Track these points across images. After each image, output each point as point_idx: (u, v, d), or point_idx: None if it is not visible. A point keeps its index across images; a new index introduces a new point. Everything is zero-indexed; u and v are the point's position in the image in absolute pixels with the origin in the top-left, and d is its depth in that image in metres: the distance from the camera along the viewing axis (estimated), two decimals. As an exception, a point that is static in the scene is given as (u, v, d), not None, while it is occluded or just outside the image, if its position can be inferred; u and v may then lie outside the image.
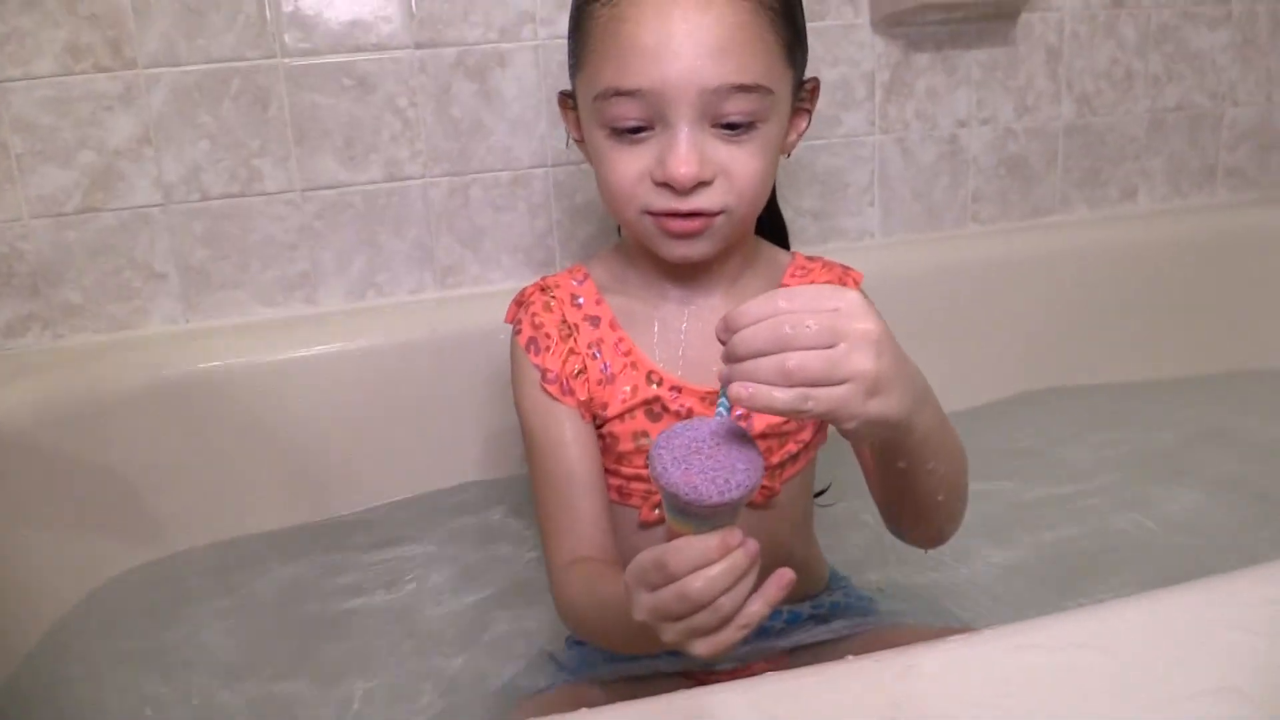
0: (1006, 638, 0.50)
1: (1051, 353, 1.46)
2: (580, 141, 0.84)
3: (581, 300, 0.85)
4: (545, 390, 0.81)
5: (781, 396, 0.52)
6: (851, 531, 1.14)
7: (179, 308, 1.20)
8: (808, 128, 0.84)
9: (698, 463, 0.52)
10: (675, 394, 0.82)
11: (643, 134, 0.75)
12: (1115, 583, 1.05)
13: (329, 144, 1.20)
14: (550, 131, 1.25)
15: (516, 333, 0.85)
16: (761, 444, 0.82)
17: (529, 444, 0.83)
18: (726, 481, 0.51)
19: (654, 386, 0.82)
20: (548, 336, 0.83)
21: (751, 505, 0.83)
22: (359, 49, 1.18)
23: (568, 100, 0.85)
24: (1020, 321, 1.43)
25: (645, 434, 0.82)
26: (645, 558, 0.55)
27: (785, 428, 0.83)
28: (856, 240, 1.43)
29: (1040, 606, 1.02)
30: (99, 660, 1.01)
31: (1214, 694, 0.45)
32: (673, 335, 0.84)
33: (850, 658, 0.48)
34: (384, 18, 1.18)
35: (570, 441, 0.80)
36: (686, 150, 0.73)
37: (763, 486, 0.83)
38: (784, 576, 0.54)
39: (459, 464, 1.23)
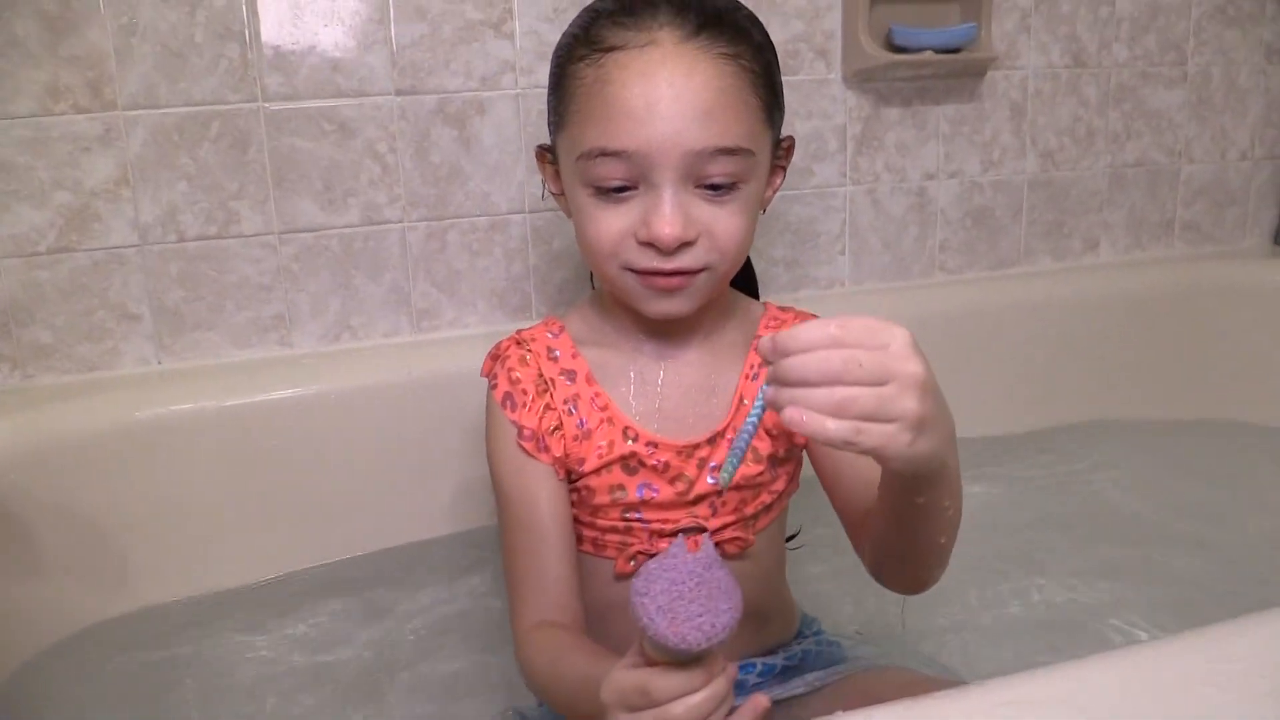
0: (992, 693, 0.51)
1: (1014, 400, 1.48)
2: (559, 195, 0.85)
3: (558, 354, 0.85)
4: (521, 447, 0.81)
5: (834, 427, 0.52)
6: (820, 571, 1.15)
7: (151, 349, 1.20)
8: (782, 183, 0.86)
9: (682, 609, 0.52)
10: (651, 449, 0.82)
11: (626, 193, 0.76)
12: (1080, 635, 1.07)
13: (307, 187, 1.20)
14: (528, 178, 1.27)
15: (492, 387, 0.85)
16: (736, 496, 0.84)
17: (501, 500, 0.83)
18: (712, 625, 0.52)
19: (630, 443, 0.82)
20: (524, 392, 0.83)
21: (726, 556, 0.84)
22: (340, 94, 1.19)
23: (546, 154, 0.86)
24: (984, 369, 1.46)
25: (621, 487, 0.82)
26: (627, 681, 0.55)
27: (759, 479, 0.84)
28: (827, 288, 1.45)
29: (1004, 648, 1.05)
30: (58, 714, 0.99)
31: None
32: (649, 389, 0.85)
33: (840, 714, 0.48)
34: (366, 64, 1.19)
35: (543, 500, 0.81)
36: (671, 211, 0.74)
37: (737, 538, 0.84)
38: (759, 706, 0.57)
39: (431, 515, 1.23)
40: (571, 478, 0.83)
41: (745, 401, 0.84)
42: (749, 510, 0.84)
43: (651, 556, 0.80)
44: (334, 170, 1.21)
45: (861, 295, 1.45)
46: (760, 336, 0.86)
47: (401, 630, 1.12)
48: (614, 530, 0.83)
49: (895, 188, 1.45)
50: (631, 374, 0.85)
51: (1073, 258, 1.59)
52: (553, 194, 0.86)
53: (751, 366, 0.86)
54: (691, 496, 0.82)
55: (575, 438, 0.82)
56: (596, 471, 0.82)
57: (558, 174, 0.84)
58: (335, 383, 1.19)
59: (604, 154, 0.74)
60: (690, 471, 0.82)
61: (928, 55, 1.34)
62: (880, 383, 0.53)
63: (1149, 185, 1.61)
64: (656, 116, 0.72)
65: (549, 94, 0.82)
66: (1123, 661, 0.54)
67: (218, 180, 1.17)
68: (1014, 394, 1.48)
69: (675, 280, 0.77)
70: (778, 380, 0.54)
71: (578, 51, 0.77)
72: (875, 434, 0.53)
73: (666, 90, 0.72)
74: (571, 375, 0.84)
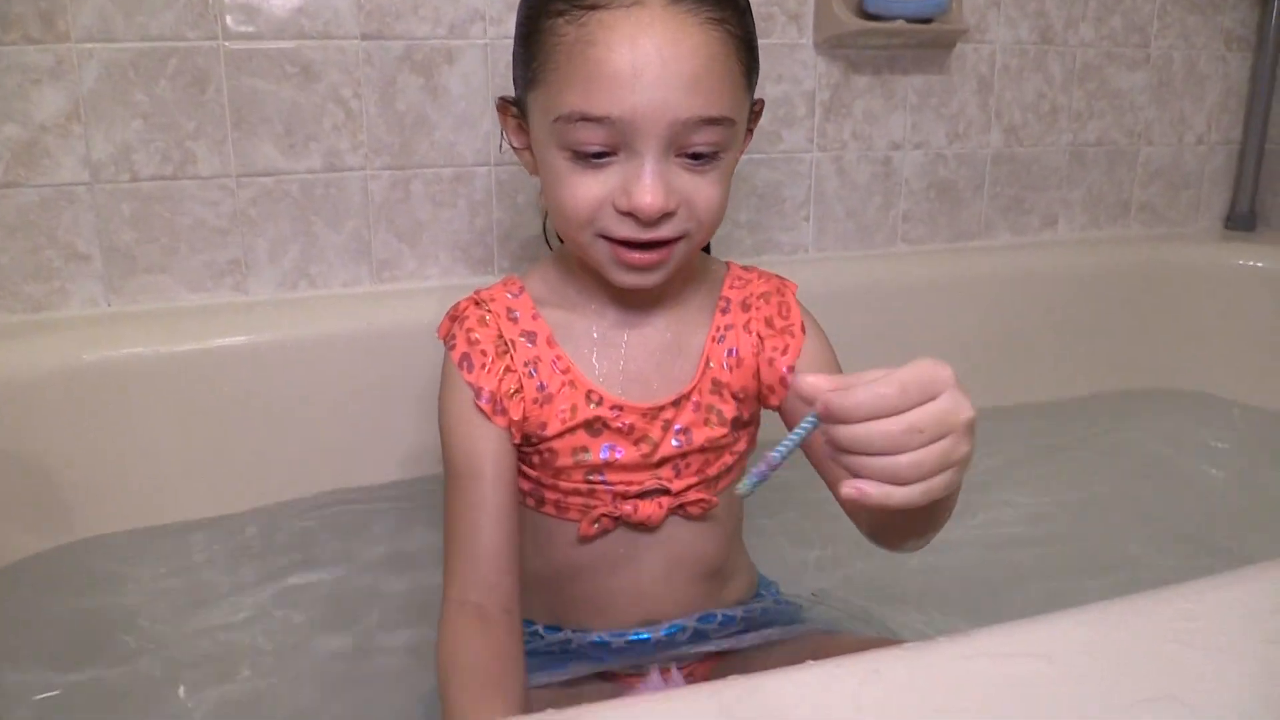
0: (958, 645, 0.51)
1: (971, 372, 1.50)
2: (521, 150, 0.82)
3: (518, 315, 0.83)
4: (478, 408, 0.79)
5: (900, 495, 0.54)
6: (778, 538, 1.16)
7: (101, 290, 1.16)
8: (749, 145, 0.85)
9: None
10: (617, 413, 0.81)
11: (605, 159, 0.73)
12: (1036, 594, 1.10)
13: (268, 130, 1.17)
14: (494, 130, 1.24)
15: (450, 348, 0.82)
16: (699, 458, 0.83)
17: (447, 466, 0.81)
18: None
19: (593, 406, 0.81)
20: (483, 354, 0.80)
21: (689, 518, 0.84)
22: (304, 36, 1.16)
23: (510, 108, 0.82)
24: (942, 340, 1.47)
25: (585, 449, 0.81)
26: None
27: (722, 441, 0.84)
28: (790, 254, 1.45)
29: (965, 616, 1.06)
30: None
31: (1154, 702, 0.47)
32: (613, 351, 0.83)
33: (811, 662, 0.48)
34: (331, 6, 1.16)
35: (490, 468, 0.79)
36: (653, 181, 0.72)
37: (701, 499, 0.83)
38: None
39: (384, 462, 1.22)
40: (531, 440, 0.81)
41: (711, 364, 0.83)
42: (711, 471, 0.84)
43: (615, 519, 0.82)
44: (295, 114, 1.18)
45: (824, 262, 1.45)
46: (723, 296, 0.85)
47: (346, 574, 1.12)
48: (577, 493, 0.82)
49: (861, 156, 1.45)
50: (595, 336, 0.83)
51: (1031, 233, 1.61)
52: (513, 148, 0.83)
53: (718, 329, 0.85)
54: (656, 459, 0.82)
55: (536, 401, 0.80)
56: (559, 435, 0.81)
57: (521, 128, 0.81)
58: (291, 331, 1.17)
59: (585, 119, 0.71)
60: (655, 434, 0.81)
61: (899, 24, 1.34)
62: (939, 439, 0.54)
63: (1108, 165, 1.63)
64: (643, 83, 0.69)
65: (517, 45, 0.78)
66: (1090, 616, 0.54)
67: (174, 119, 1.14)
68: (970, 368, 1.48)
69: (651, 256, 0.75)
70: (836, 446, 0.54)
71: (555, 5, 0.72)
72: (938, 486, 0.54)
73: (654, 56, 0.69)
74: (532, 337, 0.82)
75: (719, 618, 0.87)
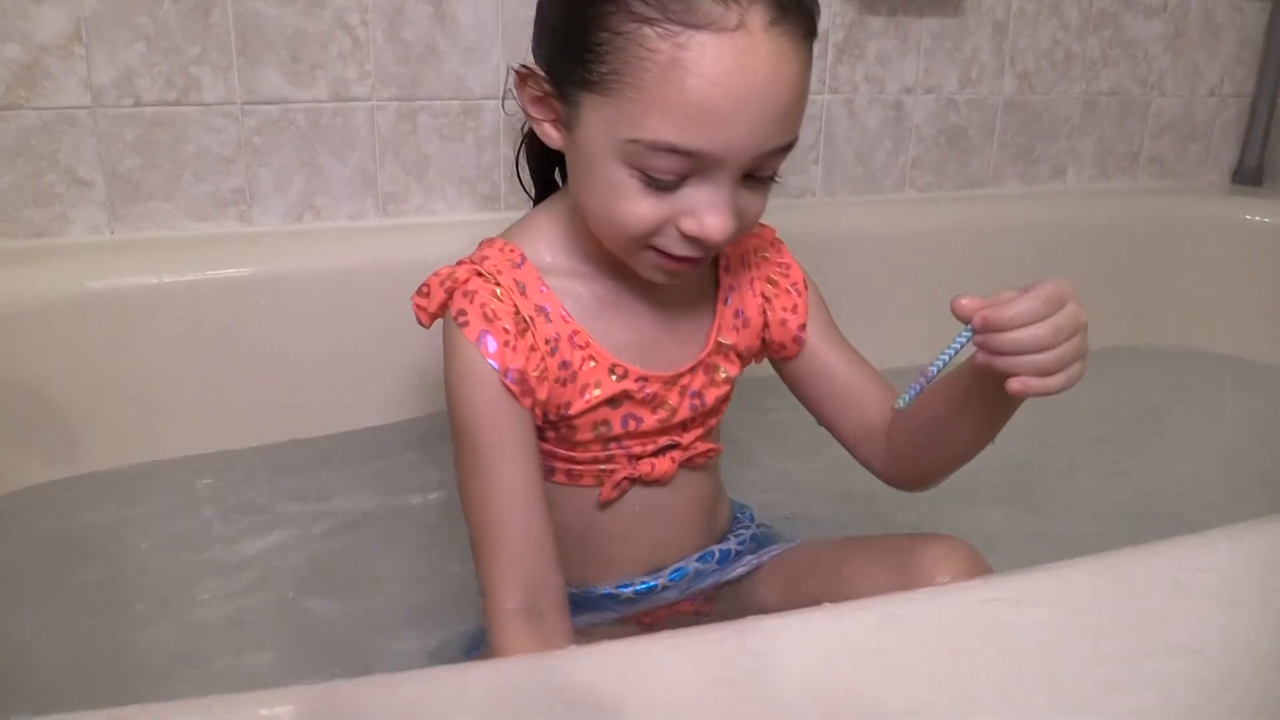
0: (974, 590, 0.52)
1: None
2: (542, 122, 0.74)
3: (525, 286, 0.76)
4: (508, 389, 0.72)
5: (1055, 383, 0.65)
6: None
7: (103, 217, 1.15)
8: None
9: None
10: (641, 384, 0.79)
11: (675, 183, 0.68)
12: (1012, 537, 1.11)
13: (273, 57, 1.15)
14: (504, 62, 1.22)
15: (461, 325, 0.73)
16: (706, 413, 0.84)
17: (469, 452, 0.74)
18: None
19: (617, 379, 0.78)
20: (505, 330, 0.73)
21: (696, 467, 0.85)
22: (311, -40, 1.13)
23: (535, 79, 0.72)
24: (946, 288, 1.45)
25: (606, 422, 0.79)
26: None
27: (725, 395, 0.84)
28: (798, 197, 1.44)
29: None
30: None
31: (1171, 650, 0.47)
32: (627, 319, 0.79)
33: (829, 605, 0.49)
34: (339, -71, 1.13)
35: (523, 453, 0.74)
36: (725, 210, 0.68)
37: (709, 449, 0.85)
38: None
39: (385, 401, 1.21)
40: (549, 418, 0.79)
41: (721, 328, 0.83)
42: (712, 422, 0.86)
43: (635, 480, 0.82)
44: (301, 40, 1.15)
45: (832, 206, 1.44)
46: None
47: (343, 517, 1.12)
48: (593, 461, 0.81)
49: (873, 99, 1.44)
50: (606, 304, 0.79)
51: (1040, 183, 1.60)
52: (529, 116, 0.74)
53: (725, 291, 0.83)
54: (674, 423, 0.81)
55: (559, 380, 0.76)
56: (583, 413, 0.77)
57: (546, 103, 0.72)
58: (296, 263, 1.16)
59: (672, 150, 0.65)
60: (673, 400, 0.80)
61: (917, -36, 1.31)
62: (1072, 336, 0.65)
63: (1120, 115, 1.61)
64: (740, 120, 0.64)
65: (569, 33, 0.68)
66: (1098, 565, 0.55)
67: (178, 43, 1.11)
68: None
69: (695, 264, 0.73)
70: (993, 349, 0.65)
71: (641, 8, 0.63)
72: (1076, 373, 0.65)
73: (756, 92, 0.64)
74: (544, 311, 0.76)
75: (716, 554, 0.89)
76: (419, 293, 0.77)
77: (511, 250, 0.77)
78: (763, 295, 0.84)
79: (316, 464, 1.17)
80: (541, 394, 0.75)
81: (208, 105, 1.14)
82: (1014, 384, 0.64)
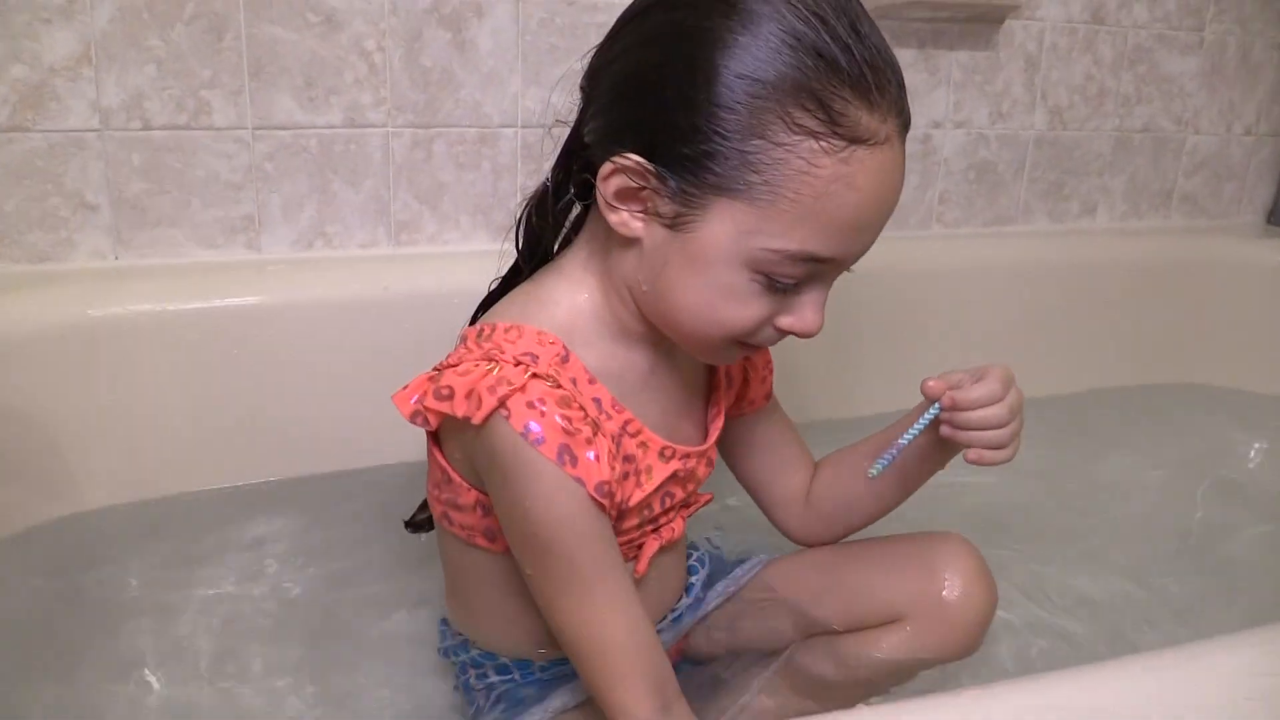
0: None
1: (999, 360, 1.45)
2: (630, 218, 0.67)
3: (576, 381, 0.70)
4: (596, 503, 0.66)
5: (1003, 456, 0.74)
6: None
7: (109, 242, 1.12)
8: None
9: None
10: (685, 460, 0.76)
11: (794, 287, 0.67)
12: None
13: (287, 82, 1.12)
14: (523, 90, 1.19)
15: (536, 442, 0.64)
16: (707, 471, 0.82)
17: (563, 574, 0.67)
18: None
19: (666, 461, 0.75)
20: (587, 442, 0.65)
21: (694, 513, 0.84)
22: (328, -17, 1.10)
23: (646, 177, 0.65)
24: (972, 326, 1.43)
25: (649, 505, 0.75)
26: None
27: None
28: (822, 233, 1.40)
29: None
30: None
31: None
32: (659, 395, 0.76)
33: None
34: (357, -48, 1.10)
35: (617, 560, 0.69)
36: (823, 308, 0.69)
37: (701, 499, 0.84)
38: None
39: (398, 437, 1.15)
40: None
41: (725, 392, 0.83)
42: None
43: (662, 548, 0.79)
44: (316, 65, 1.12)
45: (856, 243, 1.40)
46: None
47: (348, 557, 1.08)
48: (628, 542, 0.77)
49: (901, 133, 1.40)
50: (644, 383, 0.75)
51: (1070, 220, 1.56)
52: (609, 206, 0.67)
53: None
54: (693, 489, 0.81)
55: (623, 474, 0.72)
56: (639, 503, 0.74)
57: (637, 193, 0.66)
58: (305, 292, 1.13)
59: (811, 259, 0.64)
60: (701, 471, 0.79)
61: (949, -4, 1.28)
62: (1017, 415, 0.74)
63: (1153, 153, 1.57)
64: (871, 230, 0.65)
65: (706, 130, 0.62)
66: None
67: (189, 66, 1.09)
68: (1000, 356, 1.44)
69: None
70: (958, 425, 0.74)
71: (807, 122, 0.60)
72: (1015, 448, 0.74)
73: (893, 202, 0.65)
74: (599, 405, 0.71)
75: (684, 596, 0.88)
76: (438, 395, 0.67)
77: (553, 342, 0.70)
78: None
79: (323, 501, 1.13)
80: (618, 496, 0.70)
81: (218, 130, 1.11)
82: (971, 455, 0.73)
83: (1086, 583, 1.10)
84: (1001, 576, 0.83)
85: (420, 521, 0.89)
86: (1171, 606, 1.08)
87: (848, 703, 0.86)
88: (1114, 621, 1.06)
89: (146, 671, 0.93)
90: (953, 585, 0.79)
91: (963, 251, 1.44)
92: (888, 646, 0.80)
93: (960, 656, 0.80)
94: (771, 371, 0.88)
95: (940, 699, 0.47)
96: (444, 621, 0.88)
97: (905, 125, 0.65)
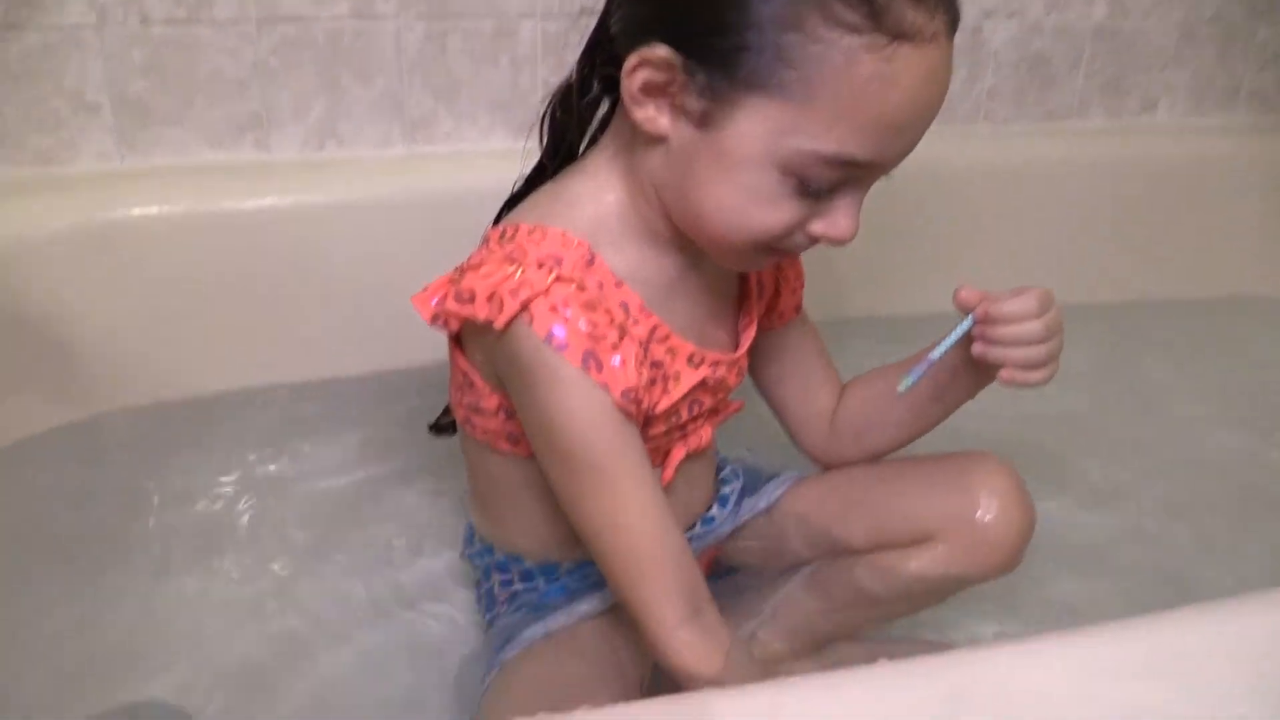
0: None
1: (1048, 265, 1.38)
2: (655, 116, 0.64)
3: (603, 286, 0.68)
4: (623, 410, 0.64)
5: (1037, 377, 0.70)
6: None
7: (112, 143, 1.07)
8: None
9: None
10: (714, 368, 0.73)
11: (827, 191, 0.63)
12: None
13: (291, -30, 1.06)
14: (542, -21, 1.12)
15: (559, 349, 0.62)
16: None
17: (591, 481, 0.65)
18: None
19: (694, 367, 0.72)
20: (612, 346, 0.64)
21: (725, 421, 0.81)
22: None
23: (673, 71, 0.61)
24: (1019, 229, 1.36)
25: (677, 412, 0.73)
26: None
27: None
28: (861, 131, 1.33)
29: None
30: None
31: None
32: (689, 300, 0.73)
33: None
34: None
35: (645, 466, 0.66)
36: (858, 214, 0.65)
37: (731, 406, 0.81)
38: None
39: (410, 342, 1.11)
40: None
41: (759, 299, 0.80)
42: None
43: (690, 456, 0.77)
44: (321, -48, 1.06)
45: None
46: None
47: (360, 459, 1.07)
48: (655, 449, 0.74)
49: (947, 23, 1.31)
50: (673, 287, 0.72)
51: (1128, 116, 1.46)
52: (634, 100, 0.63)
53: None
54: (722, 397, 0.78)
55: (650, 380, 0.69)
56: (666, 410, 0.72)
57: (663, 88, 0.62)
58: (316, 195, 1.09)
59: (847, 163, 0.61)
60: (732, 380, 0.77)
61: None
62: (1056, 335, 0.70)
63: (1221, 45, 1.46)
64: (916, 131, 0.62)
65: (740, 23, 0.59)
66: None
67: (189, -46, 1.03)
68: (1055, 261, 1.38)
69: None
70: (991, 339, 0.70)
71: (847, 15, 0.57)
72: (1053, 370, 0.70)
73: (936, 103, 0.61)
74: (627, 310, 0.68)
75: (715, 507, 0.86)
76: (459, 297, 0.65)
77: (578, 245, 0.67)
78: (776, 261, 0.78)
79: (334, 406, 1.11)
80: (645, 403, 0.68)
81: (220, 23, 1.06)
82: (1005, 374, 0.70)
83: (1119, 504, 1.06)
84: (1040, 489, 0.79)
85: (444, 425, 0.88)
86: (1213, 542, 1.03)
87: (877, 620, 0.85)
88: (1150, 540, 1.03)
89: (157, 577, 0.93)
90: (988, 507, 0.75)
91: (1012, 148, 1.36)
92: (917, 564, 0.77)
93: (997, 575, 0.78)
94: (803, 283, 0.84)
95: (962, 654, 0.43)
96: (470, 527, 0.87)
97: (954, 21, 0.61)
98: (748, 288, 0.79)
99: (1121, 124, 1.45)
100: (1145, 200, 1.41)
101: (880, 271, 1.28)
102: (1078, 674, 0.37)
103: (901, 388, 0.72)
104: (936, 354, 0.72)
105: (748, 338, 0.78)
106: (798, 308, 0.84)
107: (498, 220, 0.76)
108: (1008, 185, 1.34)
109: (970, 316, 0.70)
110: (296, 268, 1.08)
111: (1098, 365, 1.28)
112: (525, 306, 0.62)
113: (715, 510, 0.85)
